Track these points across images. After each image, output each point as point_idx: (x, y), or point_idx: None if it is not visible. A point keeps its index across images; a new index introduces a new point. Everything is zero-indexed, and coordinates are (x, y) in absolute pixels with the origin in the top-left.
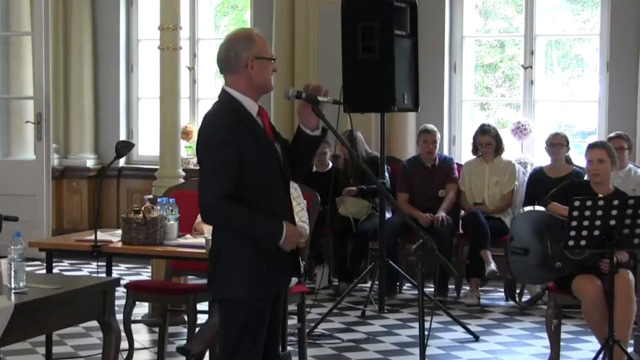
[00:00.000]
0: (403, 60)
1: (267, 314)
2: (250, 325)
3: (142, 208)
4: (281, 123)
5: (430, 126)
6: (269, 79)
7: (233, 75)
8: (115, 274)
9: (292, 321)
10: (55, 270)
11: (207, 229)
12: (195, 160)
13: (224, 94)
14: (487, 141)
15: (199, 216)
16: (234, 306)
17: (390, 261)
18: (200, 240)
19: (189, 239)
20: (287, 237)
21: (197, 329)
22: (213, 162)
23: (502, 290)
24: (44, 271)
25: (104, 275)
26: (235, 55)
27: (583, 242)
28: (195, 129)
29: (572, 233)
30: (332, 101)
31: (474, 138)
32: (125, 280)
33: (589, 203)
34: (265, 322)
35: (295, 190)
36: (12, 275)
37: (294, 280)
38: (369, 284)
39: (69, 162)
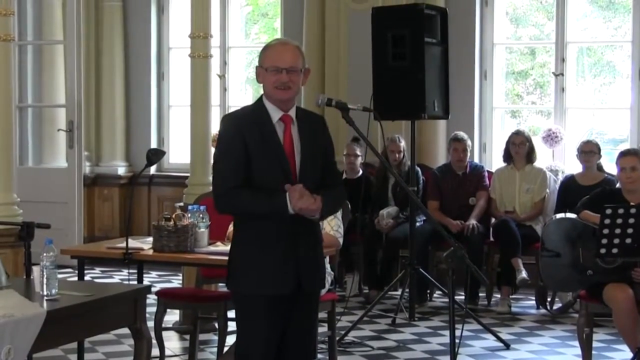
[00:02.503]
0: (433, 68)
1: (272, 313)
2: (247, 320)
3: (173, 215)
4: None
5: (461, 134)
6: (270, 88)
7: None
8: (146, 282)
9: (323, 329)
10: (86, 278)
11: None
12: None
13: (257, 100)
14: (520, 141)
15: (231, 224)
16: (236, 300)
17: (420, 269)
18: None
19: (219, 247)
20: (293, 202)
21: (227, 346)
22: (219, 152)
23: (534, 298)
24: (76, 278)
25: (135, 282)
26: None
27: (615, 250)
28: None
29: (604, 241)
30: (363, 108)
31: (507, 143)
32: (157, 287)
33: (620, 211)
34: (271, 322)
35: None
36: (45, 282)
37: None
38: (399, 292)
39: (101, 170)
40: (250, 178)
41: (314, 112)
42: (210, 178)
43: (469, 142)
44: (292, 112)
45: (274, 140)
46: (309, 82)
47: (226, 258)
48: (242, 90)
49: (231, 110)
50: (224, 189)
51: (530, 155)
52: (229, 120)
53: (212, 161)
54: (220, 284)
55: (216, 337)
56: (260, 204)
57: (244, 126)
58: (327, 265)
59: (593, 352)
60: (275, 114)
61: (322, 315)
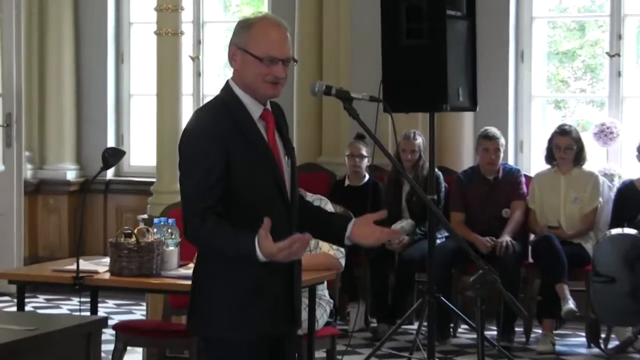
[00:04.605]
0: (457, 48)
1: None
2: None
3: (135, 231)
4: (307, 127)
5: (492, 130)
6: (256, 81)
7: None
8: (101, 313)
9: None
10: (27, 308)
11: None
12: None
13: (225, 88)
14: (567, 144)
15: None
16: (213, 347)
17: (442, 297)
18: None
19: (192, 269)
20: (266, 253)
21: None
22: (192, 170)
23: (583, 334)
24: (15, 309)
25: (88, 313)
26: (229, 40)
27: None
28: None
29: None
30: (369, 98)
31: (550, 141)
32: (114, 320)
33: None
34: None
35: (324, 206)
36: None
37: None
38: (415, 326)
39: (45, 174)
40: (235, 194)
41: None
42: None
43: (502, 140)
44: (269, 106)
45: (262, 144)
46: (302, 67)
47: None
48: (219, 75)
49: (207, 100)
50: (199, 211)
51: (578, 157)
52: (203, 117)
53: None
54: None
55: None
56: (225, 244)
57: (224, 127)
58: (326, 292)
59: None
60: (255, 109)
61: (320, 354)
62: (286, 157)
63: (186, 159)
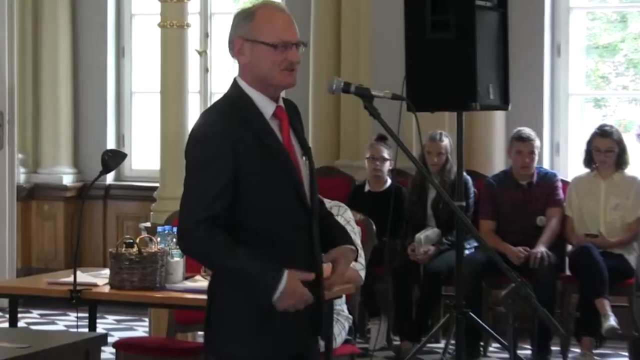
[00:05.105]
0: (488, 41)
1: None
2: None
3: (137, 240)
4: (323, 128)
5: (527, 131)
6: (270, 71)
7: (237, 61)
8: (100, 329)
9: None
10: (20, 324)
11: None
12: None
13: (233, 87)
14: (608, 146)
15: None
16: None
17: (470, 313)
18: None
19: (199, 282)
20: (286, 293)
21: None
22: (197, 175)
23: (626, 353)
24: (7, 325)
25: (86, 330)
26: (230, 33)
27: None
28: None
29: None
30: (392, 96)
31: (589, 143)
32: (114, 337)
33: None
34: None
35: (342, 214)
36: None
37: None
38: (442, 344)
39: (40, 179)
40: (248, 201)
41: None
42: None
43: (537, 142)
44: (281, 103)
45: (277, 145)
46: (318, 63)
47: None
48: (229, 71)
49: (215, 98)
50: (191, 224)
51: (620, 160)
52: (210, 119)
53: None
54: (199, 332)
55: None
56: (232, 266)
57: (235, 128)
58: (344, 307)
59: None
60: (267, 107)
61: None
62: (303, 158)
63: (191, 163)
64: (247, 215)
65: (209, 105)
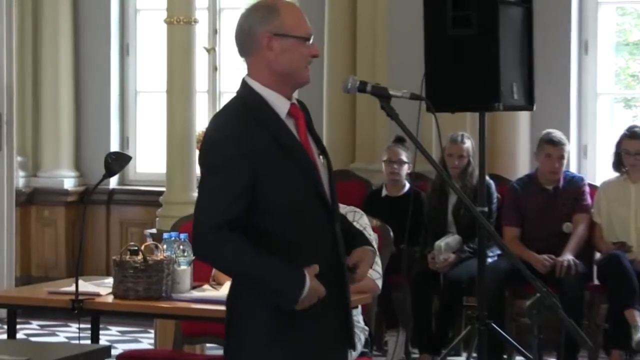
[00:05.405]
0: (512, 38)
1: None
2: None
3: (142, 247)
4: (338, 129)
5: (558, 135)
6: (298, 66)
7: (251, 59)
8: (103, 341)
9: None
10: (20, 335)
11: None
12: None
13: (243, 87)
14: (638, 149)
15: None
16: None
17: (493, 324)
18: (223, 294)
19: (207, 291)
20: (307, 295)
21: None
22: (213, 179)
23: None
24: (5, 336)
25: (88, 342)
26: (249, 30)
27: None
28: None
29: None
30: (410, 96)
31: (618, 145)
32: (118, 349)
33: None
34: None
35: (359, 219)
36: None
37: (355, 353)
38: (463, 357)
39: (40, 183)
40: (267, 204)
41: None
42: (195, 194)
43: (568, 147)
44: (294, 100)
45: (298, 148)
46: (333, 61)
47: (217, 308)
48: (239, 69)
49: (224, 98)
50: (206, 228)
51: None
52: (223, 122)
53: (196, 178)
54: (208, 345)
55: None
56: (252, 271)
57: (250, 130)
58: (360, 318)
59: None
60: (281, 106)
61: None
62: (321, 158)
63: (206, 168)
64: (266, 219)
65: (217, 106)
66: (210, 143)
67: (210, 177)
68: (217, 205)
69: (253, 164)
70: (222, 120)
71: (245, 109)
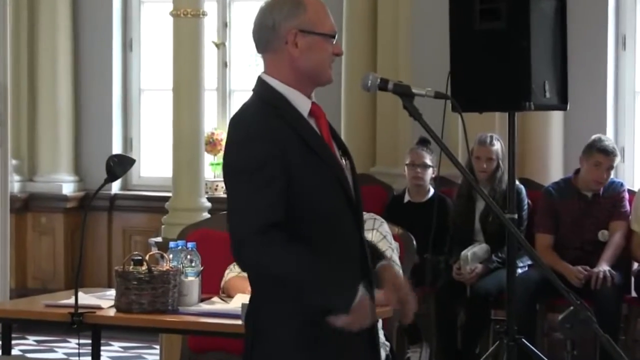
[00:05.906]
0: (544, 32)
1: None
2: None
3: (147, 257)
4: (358, 131)
5: (611, 143)
6: (323, 64)
7: (271, 55)
8: (105, 357)
9: None
10: (15, 351)
11: (243, 288)
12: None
13: (260, 85)
14: None
15: (228, 270)
16: None
17: (523, 339)
18: (234, 307)
19: (217, 304)
20: (356, 311)
21: None
22: (246, 181)
23: None
24: None
25: (89, 358)
26: (273, 25)
27: None
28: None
29: None
30: (435, 95)
31: None
32: None
33: None
34: None
35: (378, 228)
36: None
37: None
38: None
39: (37, 188)
40: (294, 206)
41: None
42: (203, 200)
43: (619, 158)
44: (314, 99)
45: (323, 147)
46: (352, 58)
47: (227, 322)
48: (250, 66)
49: (234, 96)
50: (251, 233)
51: None
52: (247, 121)
53: (210, 178)
54: None
55: None
56: (306, 277)
57: (276, 128)
58: (381, 333)
59: None
60: (302, 105)
61: None
62: (343, 159)
63: (237, 170)
64: (295, 223)
65: (227, 104)
66: (239, 142)
67: (242, 180)
68: (257, 209)
69: (285, 164)
70: (247, 117)
71: (268, 108)
